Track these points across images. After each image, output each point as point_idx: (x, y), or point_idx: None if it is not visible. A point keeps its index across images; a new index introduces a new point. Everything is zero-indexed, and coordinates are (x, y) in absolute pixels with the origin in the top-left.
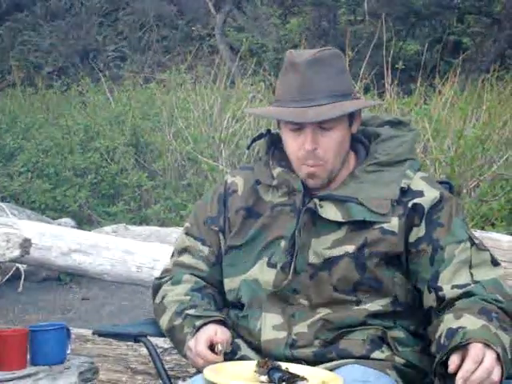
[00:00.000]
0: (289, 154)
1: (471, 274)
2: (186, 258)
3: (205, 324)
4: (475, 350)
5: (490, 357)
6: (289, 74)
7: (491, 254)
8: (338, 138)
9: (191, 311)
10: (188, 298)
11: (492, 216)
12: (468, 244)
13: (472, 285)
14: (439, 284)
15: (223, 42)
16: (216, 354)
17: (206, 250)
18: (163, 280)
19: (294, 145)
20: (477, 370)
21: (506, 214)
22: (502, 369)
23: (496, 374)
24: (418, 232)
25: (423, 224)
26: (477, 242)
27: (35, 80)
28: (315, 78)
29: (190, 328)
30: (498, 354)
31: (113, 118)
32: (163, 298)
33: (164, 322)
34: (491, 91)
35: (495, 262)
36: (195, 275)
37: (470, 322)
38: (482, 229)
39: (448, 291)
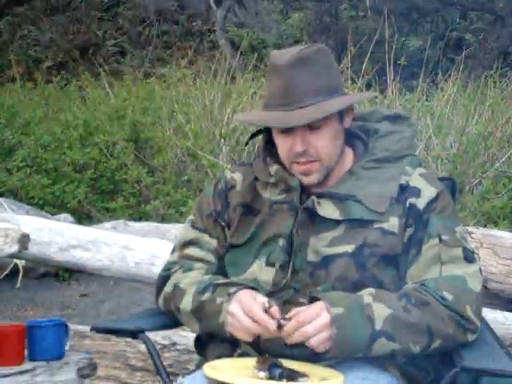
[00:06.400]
0: (280, 154)
1: (441, 271)
2: (192, 251)
3: (239, 290)
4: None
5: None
6: (272, 76)
7: (467, 250)
8: (328, 136)
9: (220, 281)
10: (207, 277)
11: (494, 214)
12: (436, 240)
13: (428, 280)
14: (407, 281)
15: (224, 38)
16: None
17: (214, 242)
18: (172, 270)
19: (284, 146)
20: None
21: (509, 211)
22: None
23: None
24: (411, 232)
25: (414, 225)
26: (445, 238)
27: (35, 75)
28: (298, 79)
29: (224, 297)
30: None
31: (112, 113)
32: (176, 284)
33: (187, 303)
34: (494, 88)
35: (469, 259)
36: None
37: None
38: (485, 226)
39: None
